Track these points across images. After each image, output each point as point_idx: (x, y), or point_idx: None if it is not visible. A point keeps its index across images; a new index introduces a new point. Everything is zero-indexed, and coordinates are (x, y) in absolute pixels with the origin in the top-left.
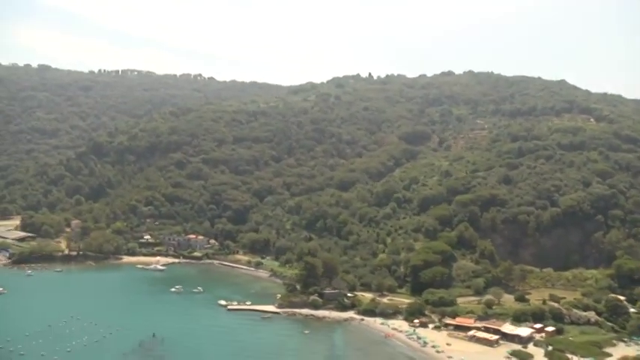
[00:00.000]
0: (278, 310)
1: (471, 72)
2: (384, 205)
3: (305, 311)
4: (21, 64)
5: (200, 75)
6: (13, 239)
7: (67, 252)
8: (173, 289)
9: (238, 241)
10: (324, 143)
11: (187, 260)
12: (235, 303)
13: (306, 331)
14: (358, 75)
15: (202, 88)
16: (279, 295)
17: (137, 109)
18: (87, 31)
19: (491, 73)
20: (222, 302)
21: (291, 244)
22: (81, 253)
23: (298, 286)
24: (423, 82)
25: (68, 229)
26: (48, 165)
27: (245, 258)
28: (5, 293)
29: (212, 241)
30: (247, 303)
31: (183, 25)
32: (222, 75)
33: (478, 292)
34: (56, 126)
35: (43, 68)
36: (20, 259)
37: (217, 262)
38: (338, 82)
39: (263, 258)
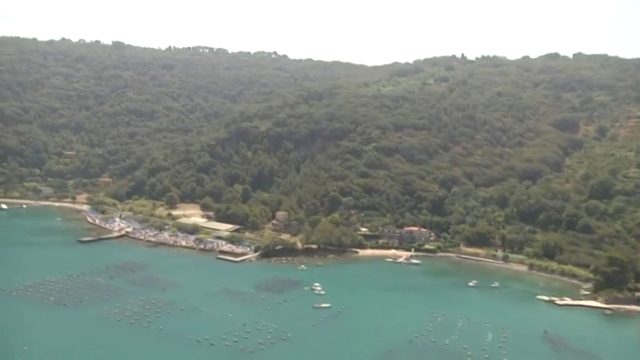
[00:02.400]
0: (608, 306)
1: (580, 54)
2: (602, 198)
3: (634, 308)
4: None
5: (275, 52)
6: (227, 231)
7: (301, 245)
8: (471, 284)
9: (449, 233)
10: (479, 130)
11: (423, 254)
12: (567, 299)
13: None
14: (454, 56)
15: (284, 67)
16: (583, 291)
17: (227, 90)
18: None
19: (606, 55)
20: (544, 297)
21: (521, 237)
22: (321, 246)
23: (602, 282)
24: (539, 65)
25: (274, 221)
26: (190, 151)
27: (478, 251)
28: (323, 293)
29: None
30: (565, 299)
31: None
32: (292, 53)
33: None
34: (151, 107)
35: (118, 46)
36: (267, 253)
37: (454, 255)
38: (441, 64)
39: (496, 251)
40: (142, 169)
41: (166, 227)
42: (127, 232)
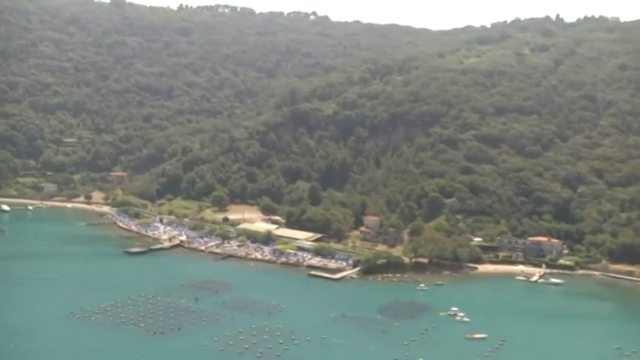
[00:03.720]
0: None
1: None
2: None
3: None
4: None
5: (314, 13)
6: (307, 241)
7: (408, 259)
8: None
9: (583, 244)
10: (602, 114)
11: (558, 271)
12: None
13: None
14: (548, 18)
15: (329, 33)
16: None
17: (261, 61)
18: None
19: None
20: None
21: None
22: (434, 260)
23: None
24: None
25: (363, 228)
26: (235, 139)
27: (632, 269)
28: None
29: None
30: None
31: None
32: (334, 14)
33: None
34: (168, 83)
35: (118, 3)
36: (370, 268)
37: (598, 273)
38: (532, 28)
39: None
40: (172, 162)
41: (232, 235)
42: (180, 241)
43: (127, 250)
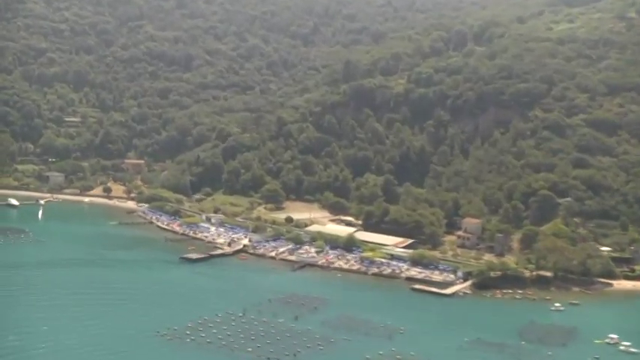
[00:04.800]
0: None
1: None
2: None
3: None
4: None
5: None
6: (397, 247)
7: (529, 272)
8: None
9: None
10: None
11: None
12: None
13: None
14: None
15: None
16: None
17: (295, 25)
18: None
19: None
20: None
21: None
22: (560, 274)
23: None
24: None
25: (461, 232)
26: (283, 121)
27: None
28: None
29: None
30: None
31: None
32: None
33: None
34: (185, 51)
35: None
36: (484, 282)
37: None
38: None
39: None
40: (207, 148)
41: (305, 240)
42: (244, 246)
43: (184, 256)
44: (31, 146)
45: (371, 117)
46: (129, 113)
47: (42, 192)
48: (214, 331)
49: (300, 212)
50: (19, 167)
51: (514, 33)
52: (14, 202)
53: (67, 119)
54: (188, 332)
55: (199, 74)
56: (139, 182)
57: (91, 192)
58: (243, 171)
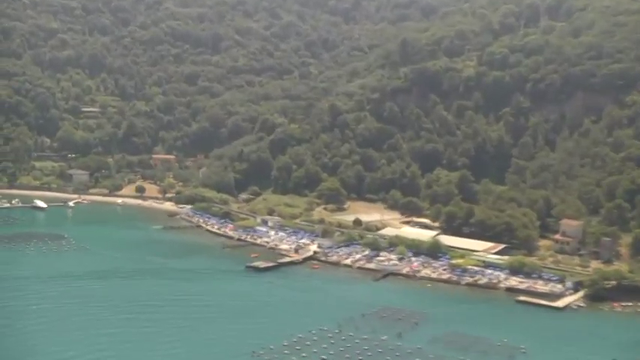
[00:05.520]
0: None
1: None
2: None
3: None
4: None
5: None
6: (488, 252)
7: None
8: None
9: None
10: None
11: None
12: None
13: None
14: None
15: None
16: None
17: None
18: None
19: None
20: None
21: None
22: None
23: None
24: None
25: (559, 236)
26: (336, 110)
27: None
28: None
29: None
30: None
31: None
32: None
33: None
34: (212, 30)
35: None
36: (598, 294)
37: None
38: None
39: None
40: (251, 141)
41: (383, 245)
42: (314, 252)
43: (251, 264)
44: (47, 140)
45: (438, 104)
46: (153, 102)
47: (66, 192)
48: (314, 350)
49: (365, 214)
50: (37, 164)
51: (598, 5)
52: (41, 204)
53: (84, 109)
54: (287, 352)
55: (229, 57)
56: (172, 180)
57: (121, 192)
58: (295, 167)
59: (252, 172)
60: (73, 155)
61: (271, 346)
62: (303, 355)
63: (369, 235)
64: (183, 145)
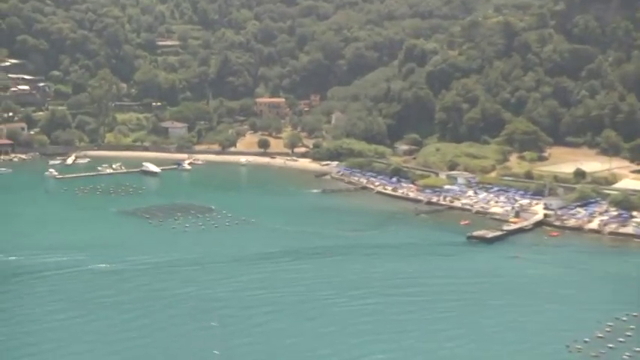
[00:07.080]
0: None
1: None
2: None
3: None
4: None
5: None
6: None
7: None
8: None
9: None
10: None
11: None
12: None
13: None
14: None
15: None
16: None
17: None
18: None
19: None
20: None
21: None
22: None
23: None
24: None
25: None
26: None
27: None
28: None
29: None
30: None
31: None
32: None
33: None
34: None
35: None
36: None
37: None
38: None
39: None
40: (395, 77)
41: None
42: (545, 216)
43: (474, 234)
44: (123, 85)
45: None
46: (246, 30)
47: (167, 152)
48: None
49: (573, 162)
50: (118, 117)
51: None
52: (153, 167)
53: (159, 43)
54: (611, 345)
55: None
56: (293, 131)
57: (235, 148)
58: (465, 106)
59: (405, 116)
60: (159, 103)
61: (585, 339)
62: (637, 349)
63: (612, 191)
64: (291, 84)
